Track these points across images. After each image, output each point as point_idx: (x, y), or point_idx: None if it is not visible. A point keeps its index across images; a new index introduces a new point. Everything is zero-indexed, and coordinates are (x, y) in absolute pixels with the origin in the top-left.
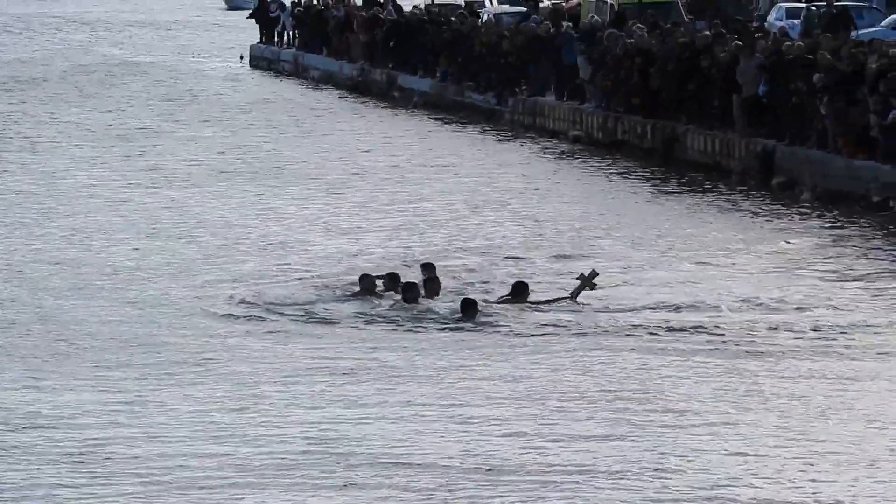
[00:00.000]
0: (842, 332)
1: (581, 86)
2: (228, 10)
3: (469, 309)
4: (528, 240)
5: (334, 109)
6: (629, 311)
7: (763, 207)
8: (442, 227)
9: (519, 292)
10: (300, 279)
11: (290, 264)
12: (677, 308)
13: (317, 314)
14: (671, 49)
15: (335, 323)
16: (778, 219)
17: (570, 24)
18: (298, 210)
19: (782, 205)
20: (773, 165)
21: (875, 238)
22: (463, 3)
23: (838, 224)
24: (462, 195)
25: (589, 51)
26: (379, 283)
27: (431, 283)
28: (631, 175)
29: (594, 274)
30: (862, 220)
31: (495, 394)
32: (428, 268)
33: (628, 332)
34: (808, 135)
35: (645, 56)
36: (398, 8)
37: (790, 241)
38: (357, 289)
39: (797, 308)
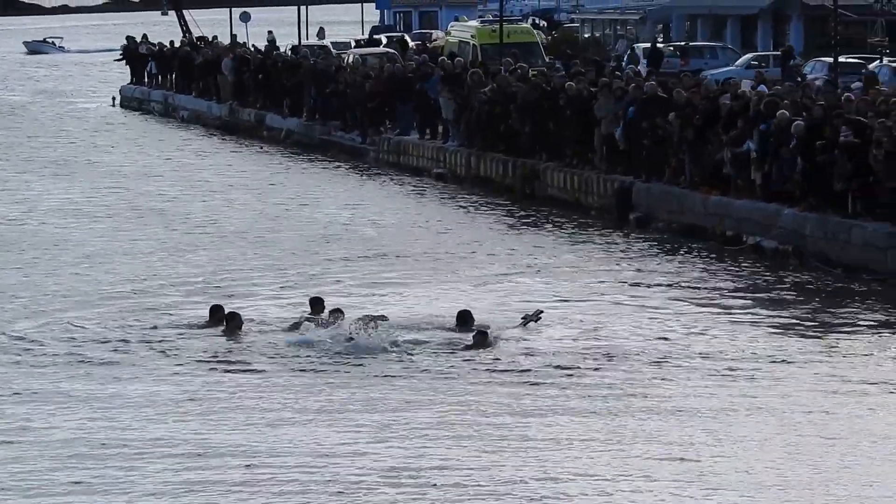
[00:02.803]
0: (682, 357)
1: (444, 125)
2: (28, 53)
3: (480, 336)
4: (376, 271)
5: (202, 148)
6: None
7: (617, 241)
8: (297, 260)
9: (463, 321)
10: (163, 312)
11: (151, 301)
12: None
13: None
14: (530, 89)
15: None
16: (630, 251)
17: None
18: (158, 246)
19: (637, 239)
20: (630, 201)
21: (725, 271)
22: (329, 45)
23: (689, 257)
24: (319, 229)
25: (452, 91)
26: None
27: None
28: (489, 210)
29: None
30: (713, 254)
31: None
32: (317, 301)
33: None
34: (664, 171)
35: (505, 96)
36: (269, 49)
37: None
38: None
39: (636, 336)
